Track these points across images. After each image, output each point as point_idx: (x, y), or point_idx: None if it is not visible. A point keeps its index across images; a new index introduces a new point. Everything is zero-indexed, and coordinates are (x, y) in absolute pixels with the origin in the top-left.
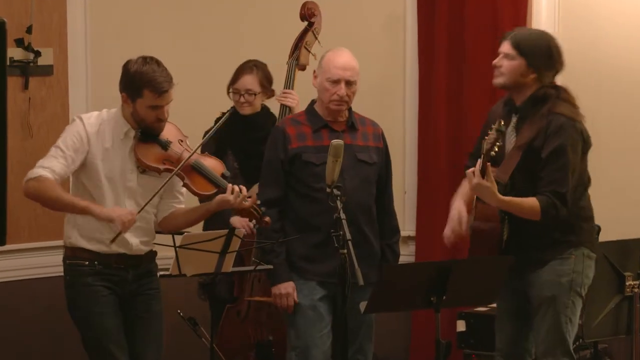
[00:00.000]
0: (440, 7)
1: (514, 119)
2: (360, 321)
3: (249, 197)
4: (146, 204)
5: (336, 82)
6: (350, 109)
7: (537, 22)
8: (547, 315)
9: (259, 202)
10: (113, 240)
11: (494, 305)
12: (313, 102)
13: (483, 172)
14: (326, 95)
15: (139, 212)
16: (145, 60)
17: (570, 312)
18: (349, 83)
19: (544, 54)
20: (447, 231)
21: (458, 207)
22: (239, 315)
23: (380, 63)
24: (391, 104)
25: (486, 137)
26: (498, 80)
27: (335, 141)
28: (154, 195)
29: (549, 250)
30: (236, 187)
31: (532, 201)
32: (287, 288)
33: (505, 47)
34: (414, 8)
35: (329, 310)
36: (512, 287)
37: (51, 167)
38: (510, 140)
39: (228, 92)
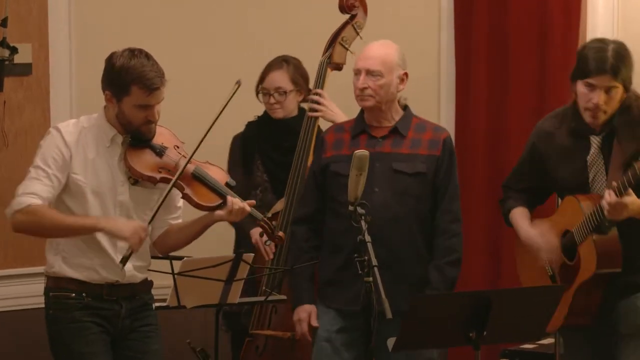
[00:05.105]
0: None
1: (595, 141)
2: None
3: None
4: (155, 214)
5: (356, 73)
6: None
7: (593, 15)
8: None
9: (270, 215)
10: (124, 263)
11: (543, 341)
12: None
13: (623, 189)
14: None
15: (150, 221)
16: (133, 52)
17: None
18: (370, 73)
19: (631, 69)
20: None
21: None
22: (257, 350)
23: (410, 63)
24: (424, 109)
25: None
26: (599, 120)
27: (358, 152)
28: (159, 206)
29: None
30: (235, 203)
31: None
32: (300, 313)
33: (606, 80)
34: (450, 1)
35: (349, 344)
36: (599, 324)
37: (36, 192)
38: (599, 163)
39: (257, 94)
